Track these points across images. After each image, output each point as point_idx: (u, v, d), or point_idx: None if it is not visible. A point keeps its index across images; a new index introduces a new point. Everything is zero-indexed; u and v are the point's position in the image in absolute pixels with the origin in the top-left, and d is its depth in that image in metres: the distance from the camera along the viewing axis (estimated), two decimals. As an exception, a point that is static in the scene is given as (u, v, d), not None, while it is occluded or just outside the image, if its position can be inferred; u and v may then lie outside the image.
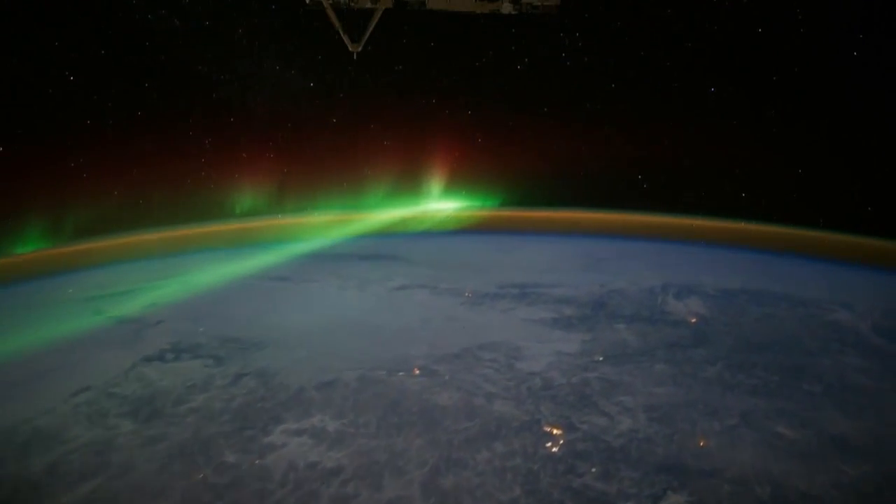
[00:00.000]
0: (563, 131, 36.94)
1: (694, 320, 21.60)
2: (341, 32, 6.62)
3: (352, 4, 6.25)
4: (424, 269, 28.76)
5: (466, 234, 43.31)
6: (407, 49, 30.59)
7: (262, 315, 22.54)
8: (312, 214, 42.58)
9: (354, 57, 6.96)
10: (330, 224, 42.78)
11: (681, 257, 35.27)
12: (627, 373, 17.24)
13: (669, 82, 32.08)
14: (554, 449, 13.40)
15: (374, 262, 31.36)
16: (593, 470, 12.63)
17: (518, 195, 41.63)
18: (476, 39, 30.94)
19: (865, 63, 26.84)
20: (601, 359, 18.20)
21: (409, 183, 38.00)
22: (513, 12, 6.42)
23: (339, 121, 33.51)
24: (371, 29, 6.66)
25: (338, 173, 35.40)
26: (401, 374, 17.43)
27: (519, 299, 23.75)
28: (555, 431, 14.05)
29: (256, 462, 13.06)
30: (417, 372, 17.55)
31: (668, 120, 33.76)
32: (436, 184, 39.09)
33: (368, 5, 6.26)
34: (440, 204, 43.27)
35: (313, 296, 25.03)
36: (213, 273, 29.71)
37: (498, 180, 39.35)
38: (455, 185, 40.74)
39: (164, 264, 32.79)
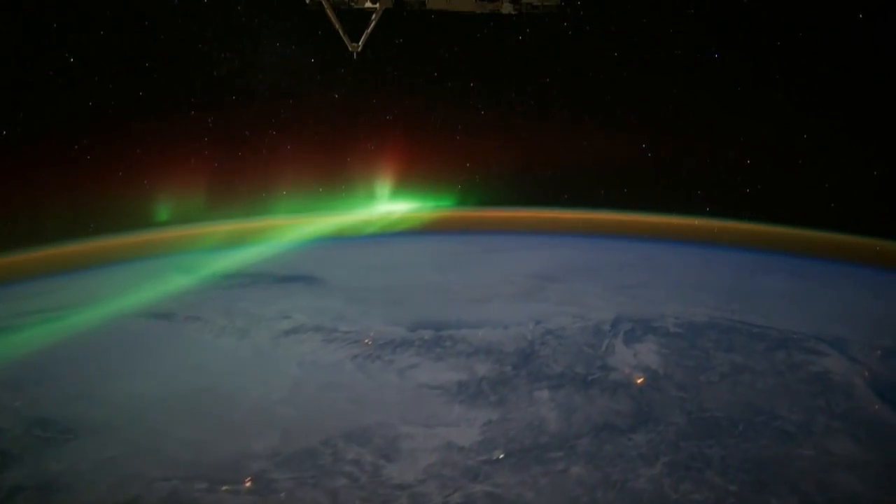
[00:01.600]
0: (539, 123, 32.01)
1: (640, 380, 16.87)
2: (341, 32, 6.54)
3: (352, 4, 6.33)
4: (334, 300, 24.00)
5: (423, 235, 38.75)
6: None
7: (100, 380, 17.89)
8: (264, 217, 37.99)
9: (354, 57, 6.84)
10: (279, 229, 38.41)
11: (653, 267, 30.46)
12: (530, 483, 12.60)
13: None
14: None
15: (284, 287, 26.62)
16: None
17: (495, 191, 36.84)
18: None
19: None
20: (502, 456, 13.56)
21: (365, 181, 33.51)
22: (513, 12, 6.40)
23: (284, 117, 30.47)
24: (371, 29, 6.60)
25: (291, 174, 31.81)
26: (224, 487, 12.87)
27: (428, 349, 19.01)
28: None
29: None
30: (248, 484, 12.99)
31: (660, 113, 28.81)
32: (392, 181, 34.38)
33: (368, 5, 6.31)
34: (397, 204, 38.16)
35: (179, 347, 20.34)
36: (86, 306, 25.10)
37: (463, 176, 34.49)
38: (416, 182, 35.78)
39: (51, 286, 28.40)
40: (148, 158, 29.80)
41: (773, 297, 24.61)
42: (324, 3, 6.11)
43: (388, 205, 37.49)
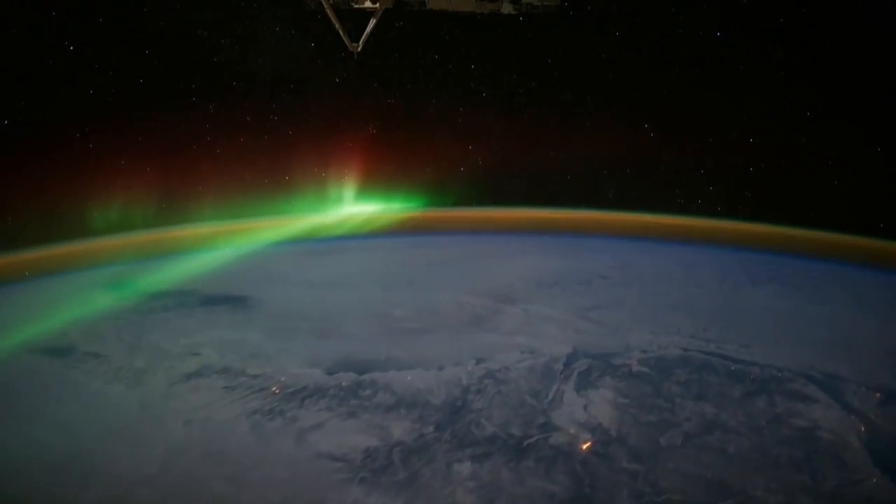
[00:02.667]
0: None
1: (586, 445, 13.89)
2: (341, 32, 6.49)
3: (352, 4, 6.26)
4: (254, 331, 20.93)
5: (392, 237, 35.82)
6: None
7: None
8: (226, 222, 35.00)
9: (355, 57, 6.80)
10: (243, 231, 35.60)
11: (629, 277, 27.37)
12: None
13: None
14: None
15: (207, 311, 23.54)
16: None
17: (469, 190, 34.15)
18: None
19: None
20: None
21: (332, 181, 31.28)
22: (513, 12, 6.39)
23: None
24: (371, 29, 6.57)
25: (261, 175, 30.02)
26: None
27: (341, 401, 15.97)
28: None
29: None
30: None
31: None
32: (357, 182, 31.90)
33: (368, 5, 6.28)
34: (364, 204, 35.34)
35: (60, 396, 17.36)
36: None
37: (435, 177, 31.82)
38: (387, 181, 33.16)
39: None
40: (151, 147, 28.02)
41: (759, 319, 21.54)
42: (324, 3, 6.11)
43: (358, 205, 34.60)
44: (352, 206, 34.87)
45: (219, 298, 25.10)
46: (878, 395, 16.12)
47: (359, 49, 6.77)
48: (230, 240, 34.77)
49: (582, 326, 20.43)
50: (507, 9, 6.35)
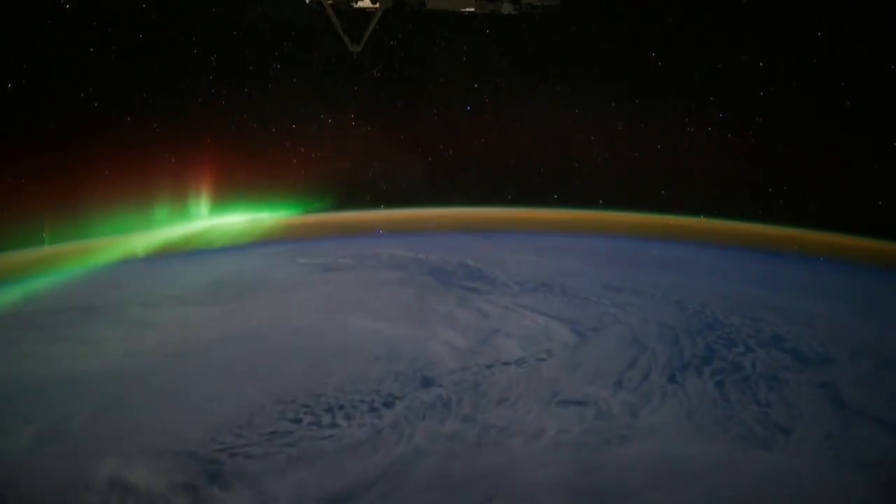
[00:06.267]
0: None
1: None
2: (341, 32, 6.51)
3: (352, 4, 6.28)
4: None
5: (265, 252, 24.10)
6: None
7: None
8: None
9: (355, 57, 6.79)
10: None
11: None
12: None
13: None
14: None
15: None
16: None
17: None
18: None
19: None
20: None
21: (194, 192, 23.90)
22: (513, 12, 6.43)
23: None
24: (371, 29, 6.59)
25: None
26: None
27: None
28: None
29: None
30: None
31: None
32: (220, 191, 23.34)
33: (368, 5, 6.28)
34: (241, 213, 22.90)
35: None
36: None
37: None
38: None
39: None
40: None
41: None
42: (324, 3, 6.17)
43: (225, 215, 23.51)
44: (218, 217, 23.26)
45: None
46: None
47: (359, 49, 6.79)
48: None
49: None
50: (507, 9, 6.42)
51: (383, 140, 22.87)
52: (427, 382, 8.71)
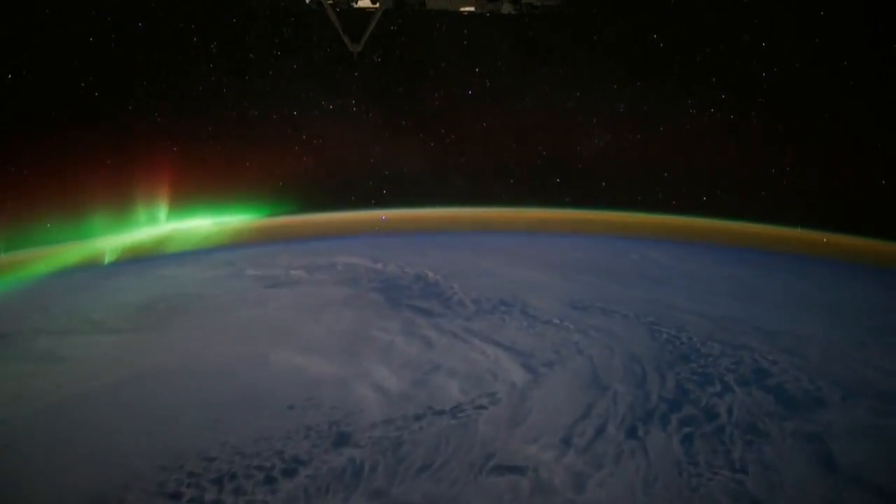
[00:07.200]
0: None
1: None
2: (341, 32, 6.47)
3: (352, 4, 6.28)
4: None
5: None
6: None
7: None
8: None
9: (355, 57, 6.87)
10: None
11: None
12: None
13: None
14: None
15: None
16: None
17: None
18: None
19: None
20: None
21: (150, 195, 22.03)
22: (513, 12, 6.75)
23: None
24: (371, 29, 6.57)
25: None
26: None
27: None
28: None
29: None
30: None
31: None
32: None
33: (368, 5, 6.30)
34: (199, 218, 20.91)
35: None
36: None
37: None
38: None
39: None
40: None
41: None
42: (324, 3, 6.23)
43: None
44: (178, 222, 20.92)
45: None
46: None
47: (359, 49, 6.77)
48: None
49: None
50: (507, 9, 6.60)
51: (385, 126, 22.33)
52: (342, 440, 7.31)
